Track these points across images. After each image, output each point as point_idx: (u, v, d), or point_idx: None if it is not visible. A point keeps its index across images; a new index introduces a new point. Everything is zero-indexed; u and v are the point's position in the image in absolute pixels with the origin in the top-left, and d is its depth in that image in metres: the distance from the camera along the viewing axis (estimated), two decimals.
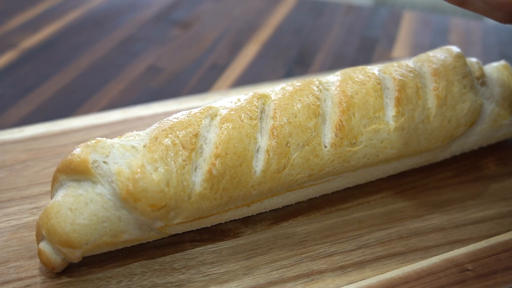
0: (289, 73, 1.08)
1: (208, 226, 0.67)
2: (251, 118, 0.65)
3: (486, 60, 0.97)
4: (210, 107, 0.66)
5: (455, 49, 0.77)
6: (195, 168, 0.61)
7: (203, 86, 1.03)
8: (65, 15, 1.29)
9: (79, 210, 0.59)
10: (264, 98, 0.68)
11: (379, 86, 0.70)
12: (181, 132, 0.62)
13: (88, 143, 0.62)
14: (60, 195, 0.61)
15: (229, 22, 1.29)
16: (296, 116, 0.65)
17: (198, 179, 0.61)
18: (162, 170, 0.59)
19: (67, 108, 0.96)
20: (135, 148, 0.61)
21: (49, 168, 0.77)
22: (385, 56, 1.14)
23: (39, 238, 0.61)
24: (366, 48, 1.18)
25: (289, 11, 1.35)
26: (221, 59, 1.13)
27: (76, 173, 0.60)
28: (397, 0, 2.20)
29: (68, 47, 1.16)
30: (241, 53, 1.15)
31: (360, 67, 0.73)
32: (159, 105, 0.91)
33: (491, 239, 0.68)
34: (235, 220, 0.69)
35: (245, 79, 1.05)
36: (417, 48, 1.18)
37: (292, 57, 1.14)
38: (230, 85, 1.03)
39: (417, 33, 1.25)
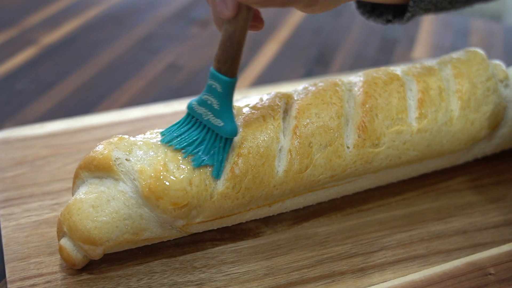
0: (309, 73, 1.07)
1: (229, 225, 0.67)
2: (274, 118, 0.64)
3: (507, 61, 0.96)
4: (232, 107, 0.66)
5: (478, 51, 0.76)
6: None
7: None
8: (85, 12, 1.30)
9: (101, 207, 0.59)
10: (286, 97, 0.68)
11: (402, 87, 0.70)
12: None
13: (111, 140, 0.62)
14: (82, 191, 0.61)
15: None
16: (319, 117, 0.65)
17: (220, 178, 0.61)
18: (184, 169, 0.59)
19: (88, 104, 0.96)
20: (157, 146, 0.61)
21: (70, 164, 0.77)
22: (405, 57, 1.14)
23: (60, 234, 0.62)
24: (386, 48, 1.17)
25: None
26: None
27: (98, 170, 0.61)
28: None
29: (88, 44, 1.17)
30: (260, 52, 1.15)
31: (383, 68, 0.73)
32: (180, 103, 0.91)
33: None
34: (256, 219, 0.69)
35: (265, 78, 1.05)
36: (437, 49, 1.17)
37: (312, 56, 1.14)
38: (249, 84, 1.03)
39: (437, 34, 1.24)
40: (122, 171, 0.60)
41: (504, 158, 0.81)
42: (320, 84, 0.70)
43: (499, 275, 0.63)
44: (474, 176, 0.78)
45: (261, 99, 0.67)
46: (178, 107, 0.90)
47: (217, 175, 0.60)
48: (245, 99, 0.68)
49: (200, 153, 0.60)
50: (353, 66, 1.10)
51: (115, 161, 0.60)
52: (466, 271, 0.64)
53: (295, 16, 1.31)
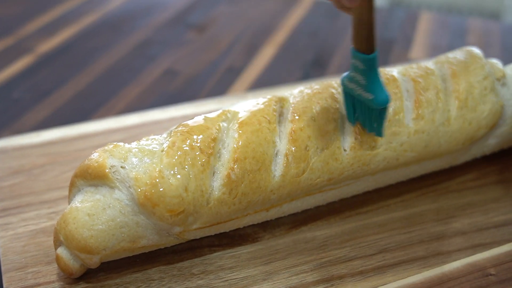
0: (306, 76, 1.07)
1: (227, 231, 0.66)
2: (269, 122, 0.64)
3: (505, 60, 0.95)
4: (228, 111, 0.66)
5: (475, 50, 0.76)
6: (214, 173, 0.61)
7: (220, 89, 1.03)
8: (81, 19, 1.30)
9: (97, 215, 0.59)
10: (282, 101, 0.67)
11: (399, 88, 0.69)
12: (199, 137, 0.61)
13: (106, 147, 0.62)
14: (78, 200, 0.61)
15: (244, 25, 1.28)
16: (315, 120, 0.65)
17: (216, 184, 0.60)
18: (180, 175, 0.59)
19: (84, 112, 0.96)
20: (153, 152, 0.61)
21: (67, 173, 0.77)
22: (402, 57, 1.13)
23: (57, 243, 0.61)
24: (383, 49, 1.17)
25: (305, 13, 1.35)
26: (237, 62, 1.12)
27: (93, 178, 0.60)
28: (412, 1, 2.19)
29: (84, 51, 1.16)
30: (257, 55, 1.14)
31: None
32: (176, 109, 0.91)
33: None
34: (254, 224, 0.69)
35: (262, 82, 1.05)
36: (435, 49, 1.16)
37: (309, 59, 1.13)
38: (246, 88, 1.03)
39: (434, 34, 1.24)
40: (117, 178, 0.60)
41: (503, 157, 0.80)
42: (316, 87, 0.69)
43: (500, 276, 0.63)
44: (473, 176, 0.78)
45: (257, 103, 0.67)
46: (175, 113, 0.90)
47: (378, 134, 0.65)
48: (241, 103, 0.68)
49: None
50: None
51: (110, 168, 0.60)
52: (467, 272, 0.63)
53: (292, 19, 1.31)
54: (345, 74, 0.65)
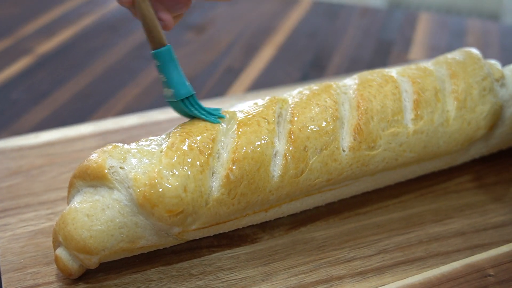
0: (305, 77, 1.07)
1: (226, 231, 0.66)
2: (268, 123, 0.64)
3: (504, 61, 0.95)
4: (227, 112, 0.66)
5: (473, 51, 0.76)
6: (213, 173, 0.61)
7: (219, 90, 1.03)
8: (80, 20, 1.30)
9: (96, 216, 0.59)
10: (281, 102, 0.67)
11: (398, 89, 0.69)
12: (198, 137, 0.61)
13: (105, 148, 0.62)
14: (77, 201, 0.61)
15: (243, 26, 1.28)
16: (314, 120, 0.65)
17: (215, 184, 0.60)
18: (179, 176, 0.58)
19: (83, 113, 0.96)
20: (152, 153, 0.61)
21: (65, 173, 0.77)
22: (402, 59, 1.13)
23: (56, 244, 0.61)
24: (382, 50, 1.17)
25: (304, 14, 1.35)
26: (236, 63, 1.12)
27: (92, 178, 0.60)
28: (411, 2, 2.19)
29: (83, 52, 1.16)
30: (256, 56, 1.14)
31: (377, 70, 0.72)
32: None
33: None
34: (253, 225, 0.69)
35: (261, 83, 1.05)
36: (434, 50, 1.17)
37: (308, 60, 1.13)
38: (245, 89, 1.03)
39: (433, 35, 1.24)
40: (116, 179, 0.59)
41: (502, 158, 0.80)
42: (315, 88, 0.69)
43: (498, 276, 0.63)
44: (472, 177, 0.78)
45: (256, 104, 0.67)
46: (174, 113, 0.89)
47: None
48: (240, 104, 0.68)
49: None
50: (349, 69, 1.09)
51: (109, 169, 0.60)
52: (465, 273, 0.63)
53: (291, 20, 1.31)
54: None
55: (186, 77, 0.97)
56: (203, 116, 0.64)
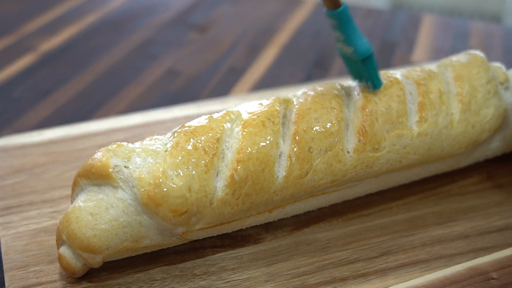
0: (308, 77, 1.07)
1: (229, 232, 0.66)
2: (273, 123, 0.64)
3: (507, 63, 0.96)
4: (232, 112, 0.66)
5: (478, 53, 0.76)
6: (217, 173, 0.60)
7: (222, 89, 1.03)
8: (83, 18, 1.29)
9: (100, 215, 0.59)
10: (286, 102, 0.67)
11: (402, 91, 0.69)
12: (202, 137, 0.61)
13: (109, 147, 0.62)
14: (81, 199, 0.60)
15: (246, 26, 1.28)
16: (318, 121, 0.65)
17: (220, 185, 0.60)
18: (183, 175, 0.58)
19: (86, 111, 0.96)
20: (156, 152, 0.61)
21: (69, 172, 0.77)
22: (405, 60, 1.13)
23: (59, 242, 0.61)
24: (385, 52, 1.17)
25: (308, 14, 1.35)
26: (239, 62, 1.12)
27: (97, 177, 0.60)
28: (414, 3, 2.19)
29: (86, 50, 1.16)
30: (259, 56, 1.14)
31: (382, 72, 0.72)
32: (179, 109, 0.91)
33: None
34: (256, 226, 0.69)
35: (264, 83, 1.05)
36: (437, 52, 1.17)
37: (311, 61, 1.13)
38: (249, 89, 1.03)
39: (436, 37, 1.24)
40: (121, 178, 0.59)
41: (506, 161, 0.80)
42: (319, 88, 0.69)
43: (502, 280, 0.63)
44: (476, 180, 0.78)
45: (260, 104, 0.67)
46: (178, 112, 0.90)
47: (375, 86, 0.68)
48: (244, 104, 0.68)
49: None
50: None
51: (113, 168, 0.60)
52: (468, 276, 0.63)
53: (294, 21, 1.31)
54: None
55: (190, 76, 0.97)
56: (375, 80, 0.68)
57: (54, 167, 0.78)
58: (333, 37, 0.69)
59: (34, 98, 0.99)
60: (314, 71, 1.09)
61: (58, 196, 0.73)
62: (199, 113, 0.86)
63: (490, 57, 1.09)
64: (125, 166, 0.60)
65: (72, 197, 0.63)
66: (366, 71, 0.68)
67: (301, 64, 1.12)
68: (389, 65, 1.11)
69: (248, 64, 1.11)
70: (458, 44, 1.20)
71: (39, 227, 0.69)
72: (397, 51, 1.17)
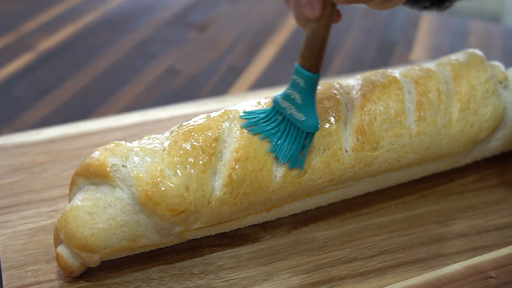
0: None
1: (227, 231, 0.66)
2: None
3: (506, 62, 0.95)
4: (230, 111, 0.65)
5: (477, 52, 0.76)
6: (215, 173, 0.60)
7: (221, 88, 1.03)
8: (82, 17, 1.29)
9: (98, 214, 0.59)
10: None
11: (401, 90, 0.69)
12: (200, 136, 0.61)
13: (107, 146, 0.62)
14: (79, 198, 0.60)
15: (245, 25, 1.28)
16: None
17: (218, 184, 0.60)
18: (181, 175, 0.58)
19: (85, 110, 0.96)
20: (154, 151, 0.61)
21: (67, 171, 0.77)
22: (404, 59, 1.13)
23: (57, 242, 0.61)
24: (384, 51, 1.17)
25: None
26: (238, 61, 1.12)
27: (95, 176, 0.60)
28: None
29: (85, 49, 1.16)
30: (258, 55, 1.14)
31: (381, 71, 0.72)
32: (177, 108, 0.91)
33: None
34: (254, 225, 0.69)
35: (263, 82, 1.05)
36: (436, 51, 1.16)
37: None
38: (247, 88, 1.03)
39: (435, 36, 1.24)
40: (118, 177, 0.59)
41: (504, 160, 0.80)
42: (318, 88, 0.69)
43: (500, 278, 0.63)
44: (474, 178, 0.78)
45: (259, 103, 0.67)
46: (175, 111, 0.90)
47: (293, 165, 0.62)
48: (243, 103, 0.68)
49: (280, 145, 0.62)
50: (352, 69, 1.09)
51: (111, 167, 0.60)
52: (467, 275, 0.63)
53: (293, 19, 1.31)
54: (279, 93, 0.64)
55: (189, 75, 0.97)
56: (294, 157, 0.62)
57: (52, 166, 0.78)
58: (286, 92, 0.63)
59: (34, 97, 0.99)
60: None
61: (56, 195, 0.73)
62: (197, 112, 0.86)
63: (489, 57, 1.09)
64: (123, 165, 0.60)
65: (70, 196, 0.63)
66: (300, 146, 0.62)
67: None
68: (388, 64, 1.11)
69: (247, 63, 1.11)
70: (457, 43, 1.20)
71: (37, 226, 0.69)
72: (396, 50, 1.17)
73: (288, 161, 0.62)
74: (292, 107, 0.62)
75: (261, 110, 0.65)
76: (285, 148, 0.62)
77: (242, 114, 0.65)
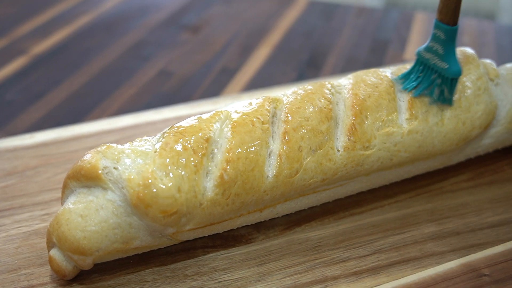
0: (300, 76, 1.07)
1: (220, 232, 0.66)
2: (262, 123, 0.64)
3: (500, 61, 0.96)
4: (221, 112, 0.65)
5: (468, 50, 0.76)
6: (207, 174, 0.60)
7: (214, 90, 1.03)
8: (75, 20, 1.29)
9: (90, 216, 0.58)
10: (275, 102, 0.67)
11: (392, 88, 0.69)
12: (192, 137, 0.61)
13: (99, 149, 0.62)
14: (71, 201, 0.60)
15: (239, 26, 1.28)
16: (308, 120, 0.65)
17: (209, 185, 0.60)
18: (173, 176, 0.58)
19: (78, 113, 0.95)
20: (146, 153, 0.61)
21: (60, 174, 0.77)
22: (397, 58, 1.13)
23: (50, 245, 0.61)
24: (378, 50, 1.17)
25: (300, 13, 1.34)
26: (232, 62, 1.12)
27: (86, 179, 0.60)
28: (408, 2, 2.19)
29: (78, 52, 1.16)
30: (251, 56, 1.14)
31: (372, 70, 0.72)
32: (170, 110, 0.91)
33: (508, 243, 0.67)
34: (248, 225, 0.69)
35: (256, 83, 1.05)
36: None
37: (304, 60, 1.13)
38: (241, 89, 1.03)
39: (429, 35, 1.22)
40: (110, 179, 0.59)
41: (497, 157, 0.80)
42: (309, 87, 0.69)
43: (494, 276, 0.63)
44: (467, 176, 0.78)
45: (250, 104, 0.67)
46: (169, 114, 0.90)
47: (449, 103, 0.70)
48: (234, 104, 0.68)
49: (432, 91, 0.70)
50: (345, 68, 1.09)
51: (103, 170, 0.59)
52: (461, 273, 0.63)
53: (286, 20, 1.31)
54: (421, 46, 0.71)
55: (182, 77, 0.97)
56: (450, 98, 0.70)
57: (45, 169, 0.78)
58: (428, 45, 0.70)
59: (27, 100, 0.99)
60: (307, 70, 1.09)
61: (49, 198, 0.73)
62: (190, 114, 0.86)
63: (483, 55, 1.09)
64: (114, 168, 0.60)
65: (62, 199, 0.63)
66: (447, 88, 0.69)
67: (293, 64, 1.12)
68: (381, 63, 1.11)
69: (241, 64, 1.11)
70: None
71: (31, 229, 0.69)
72: (389, 49, 1.17)
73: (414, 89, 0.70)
74: (435, 57, 0.69)
75: (411, 69, 0.72)
76: (413, 81, 0.71)
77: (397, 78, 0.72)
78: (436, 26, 0.68)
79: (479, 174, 0.78)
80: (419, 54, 0.71)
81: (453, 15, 0.67)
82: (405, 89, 0.70)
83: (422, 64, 0.71)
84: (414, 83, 0.70)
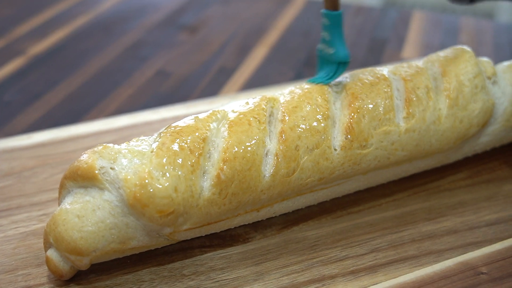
0: (298, 76, 1.07)
1: (218, 231, 0.66)
2: (259, 122, 0.64)
3: (497, 59, 0.96)
4: (218, 111, 0.65)
5: (465, 48, 0.76)
6: (203, 173, 0.60)
7: (212, 90, 1.03)
8: (73, 21, 1.29)
9: (87, 217, 0.58)
10: (272, 101, 0.67)
11: (389, 87, 0.69)
12: (188, 137, 0.61)
13: (95, 149, 0.62)
14: (68, 202, 0.60)
15: (236, 26, 1.28)
16: (305, 119, 0.65)
17: (206, 184, 0.60)
18: (169, 176, 0.58)
19: (75, 114, 0.95)
20: (142, 153, 0.61)
21: (57, 175, 0.77)
22: (395, 57, 1.13)
23: (47, 245, 0.61)
24: (375, 49, 1.17)
25: (297, 13, 1.34)
26: (229, 62, 1.12)
27: (83, 179, 0.60)
28: (406, 1, 2.19)
29: (76, 53, 1.16)
30: (249, 56, 1.14)
31: (369, 69, 0.72)
32: (168, 110, 0.91)
33: (505, 241, 0.67)
34: (245, 225, 0.69)
35: (254, 83, 1.05)
36: (427, 49, 1.16)
37: (301, 59, 1.13)
38: (238, 89, 1.03)
39: (427, 33, 1.24)
40: (107, 180, 0.59)
41: (495, 155, 0.80)
42: (306, 86, 0.69)
43: (491, 274, 0.63)
44: (465, 174, 0.78)
45: (247, 103, 0.67)
46: (166, 114, 0.90)
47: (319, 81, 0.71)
48: (231, 103, 0.68)
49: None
50: None
51: (99, 170, 0.59)
52: (458, 271, 0.63)
53: (284, 20, 1.31)
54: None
55: (180, 77, 0.97)
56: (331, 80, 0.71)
57: (42, 170, 0.78)
58: (321, 36, 0.72)
59: (24, 101, 0.99)
60: (304, 69, 1.09)
61: (47, 199, 0.73)
62: (187, 114, 0.86)
63: (481, 53, 1.09)
64: (111, 168, 0.59)
65: (59, 200, 0.63)
66: (336, 73, 0.70)
67: (291, 63, 1.12)
68: (379, 62, 1.11)
69: (238, 64, 1.11)
70: (448, 40, 1.20)
71: (28, 230, 0.69)
72: (387, 48, 1.17)
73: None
74: (325, 45, 0.72)
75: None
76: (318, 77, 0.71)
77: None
78: (322, 15, 0.70)
79: (476, 173, 0.78)
80: (317, 50, 0.73)
81: (334, 1, 0.69)
82: (319, 83, 0.70)
83: (321, 58, 0.73)
84: (324, 76, 0.71)
